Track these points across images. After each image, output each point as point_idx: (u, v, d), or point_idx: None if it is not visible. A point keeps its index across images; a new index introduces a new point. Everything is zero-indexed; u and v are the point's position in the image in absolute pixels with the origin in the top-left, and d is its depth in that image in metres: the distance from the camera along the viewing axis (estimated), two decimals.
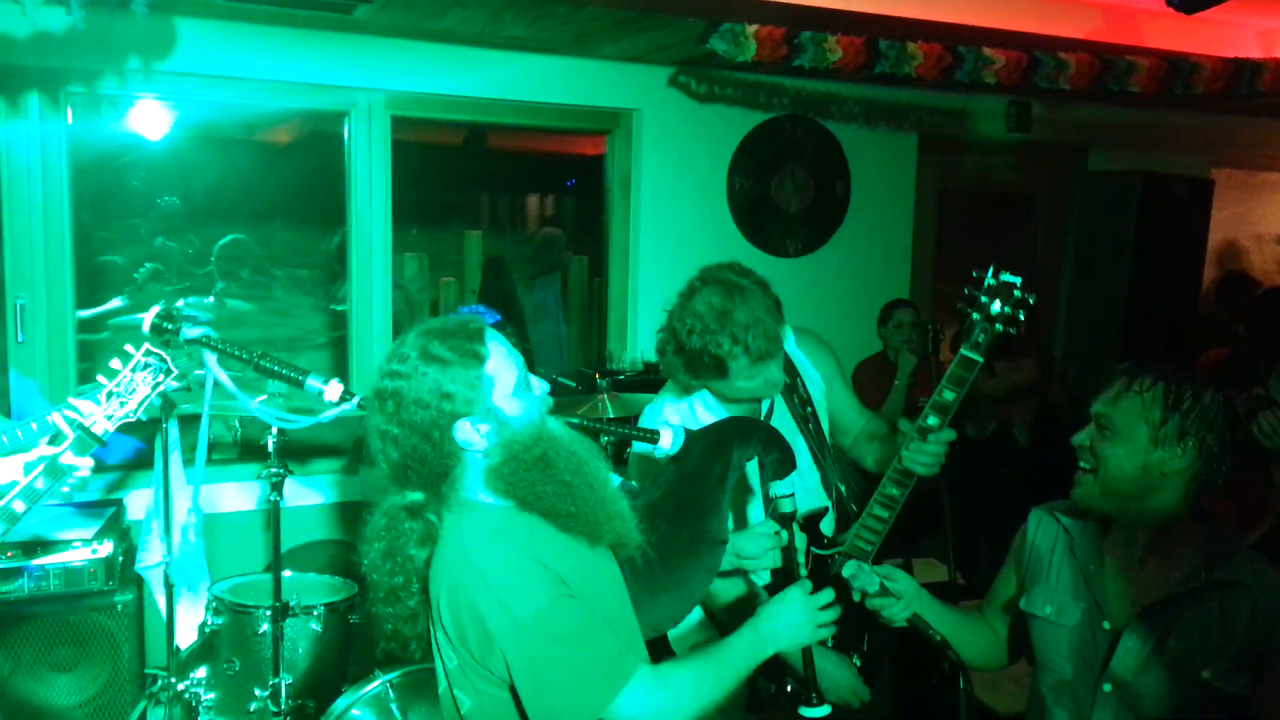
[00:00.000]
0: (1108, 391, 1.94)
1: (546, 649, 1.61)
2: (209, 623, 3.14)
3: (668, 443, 2.02)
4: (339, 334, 5.44)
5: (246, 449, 4.24)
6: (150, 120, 4.44)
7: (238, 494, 4.07)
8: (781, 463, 2.01)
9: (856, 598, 2.05)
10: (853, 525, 2.38)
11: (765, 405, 2.45)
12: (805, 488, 2.46)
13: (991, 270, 2.19)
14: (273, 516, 3.09)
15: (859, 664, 2.36)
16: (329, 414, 2.19)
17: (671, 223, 4.74)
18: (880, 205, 5.19)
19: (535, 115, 4.55)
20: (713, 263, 2.41)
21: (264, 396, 2.85)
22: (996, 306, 2.18)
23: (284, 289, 5.95)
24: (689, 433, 2.04)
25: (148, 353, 2.57)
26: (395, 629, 1.77)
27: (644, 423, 2.50)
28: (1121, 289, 3.00)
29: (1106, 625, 1.97)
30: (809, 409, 2.53)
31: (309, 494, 4.16)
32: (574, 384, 3.98)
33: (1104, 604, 1.98)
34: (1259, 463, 3.03)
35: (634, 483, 2.23)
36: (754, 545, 2.03)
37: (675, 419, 2.42)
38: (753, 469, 2.12)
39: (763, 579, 2.25)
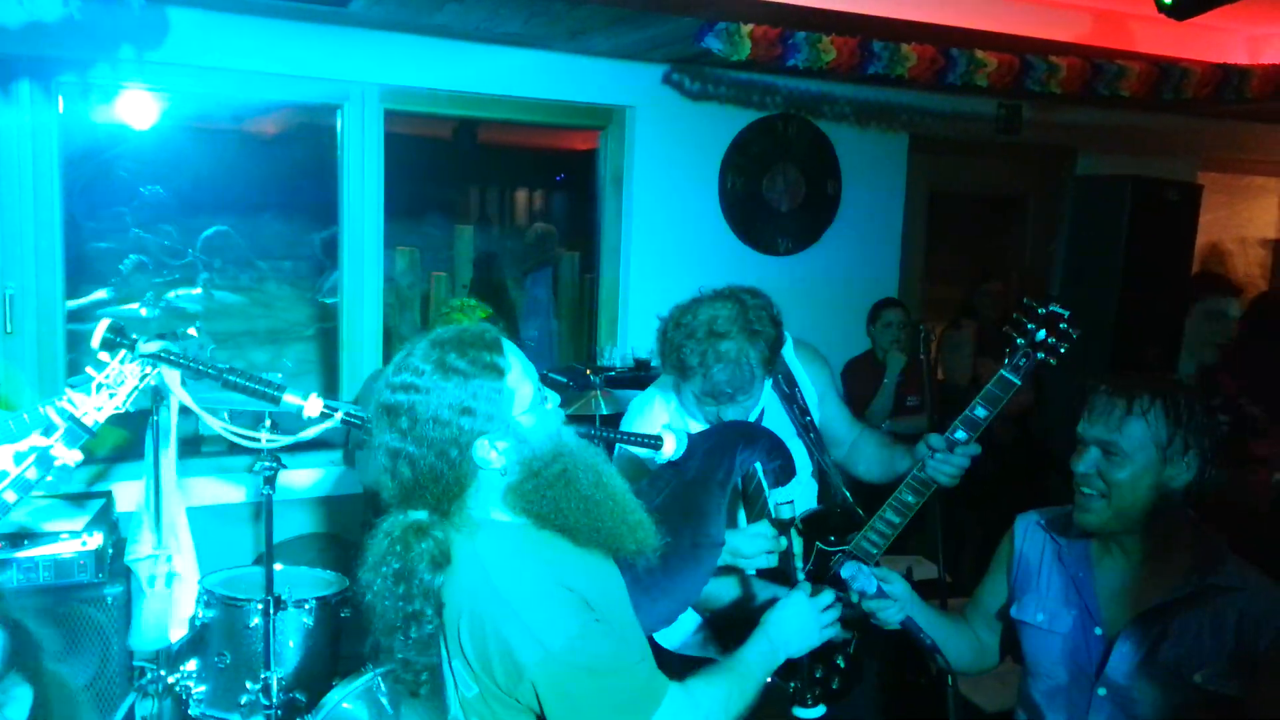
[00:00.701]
0: (1106, 418, 1.94)
1: (580, 680, 1.55)
2: (200, 615, 3.12)
3: (671, 449, 2.02)
4: (325, 326, 5.44)
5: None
6: (140, 110, 4.42)
7: (226, 487, 4.06)
8: (783, 470, 2.03)
9: (855, 599, 2.07)
10: (862, 529, 2.41)
11: (756, 411, 2.45)
12: (807, 495, 2.48)
13: (1044, 300, 2.29)
14: (264, 510, 3.09)
15: (843, 666, 2.38)
16: (309, 433, 2.03)
17: (663, 220, 4.75)
18: (870, 205, 5.22)
19: (529, 111, 4.55)
20: (738, 283, 2.38)
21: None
22: (1042, 335, 2.27)
23: (270, 280, 5.94)
24: (691, 437, 2.05)
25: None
26: (406, 658, 1.64)
27: (632, 413, 2.52)
28: (1113, 294, 3.03)
29: (1099, 631, 2.00)
30: (808, 418, 2.55)
31: (298, 488, 4.16)
32: (566, 380, 3.99)
33: (1095, 610, 2.01)
34: None
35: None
36: (750, 545, 2.05)
37: (664, 416, 2.43)
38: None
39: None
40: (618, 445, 2.22)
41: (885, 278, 5.29)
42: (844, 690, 2.33)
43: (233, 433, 2.08)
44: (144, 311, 5.06)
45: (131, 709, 3.23)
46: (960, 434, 2.31)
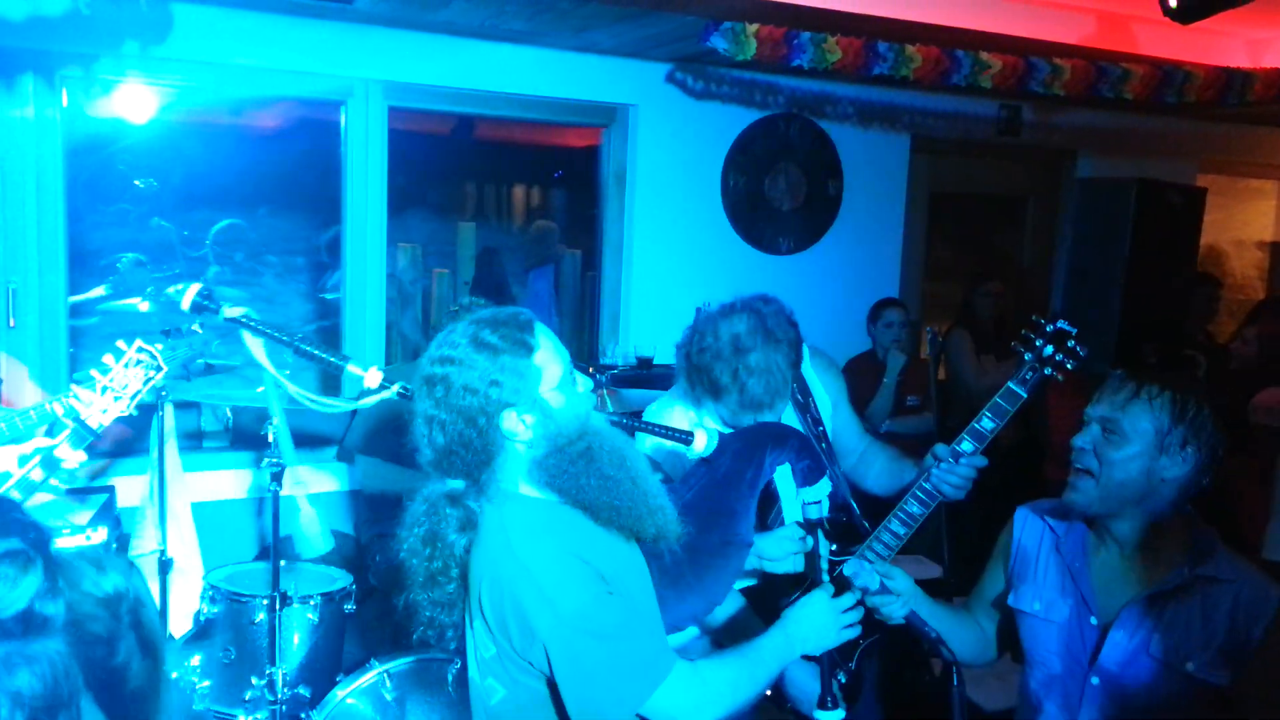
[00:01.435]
0: (1113, 396, 1.99)
1: (588, 644, 1.63)
2: (204, 611, 3.13)
3: (702, 445, 2.04)
4: (327, 323, 5.43)
5: (238, 437, 4.24)
6: (143, 105, 4.41)
7: (229, 482, 4.06)
8: (812, 470, 2.05)
9: (857, 595, 2.08)
10: (866, 539, 2.42)
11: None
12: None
13: (1052, 318, 2.33)
14: (266, 505, 3.09)
15: (844, 680, 2.40)
16: (368, 400, 2.13)
17: (666, 218, 4.76)
18: (872, 205, 5.24)
19: (532, 108, 4.55)
20: (743, 292, 2.43)
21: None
22: (1049, 350, 2.32)
23: (271, 275, 5.93)
24: (722, 436, 2.06)
25: (140, 349, 2.58)
26: (432, 616, 1.77)
27: (650, 419, 2.53)
28: (1117, 297, 3.05)
29: (1094, 621, 2.03)
30: (820, 428, 2.57)
31: (300, 483, 4.15)
32: None
33: (1090, 600, 2.04)
34: None
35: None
36: (777, 547, 2.07)
37: (685, 424, 2.44)
38: (784, 474, 2.15)
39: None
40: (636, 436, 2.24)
41: (886, 277, 5.31)
42: (853, 690, 2.34)
43: (305, 397, 2.19)
44: (144, 306, 5.04)
45: None
46: (966, 445, 2.34)
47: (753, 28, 3.75)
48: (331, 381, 4.31)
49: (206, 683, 3.11)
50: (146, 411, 2.92)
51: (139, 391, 2.48)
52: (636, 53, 4.46)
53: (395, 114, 4.31)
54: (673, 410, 2.51)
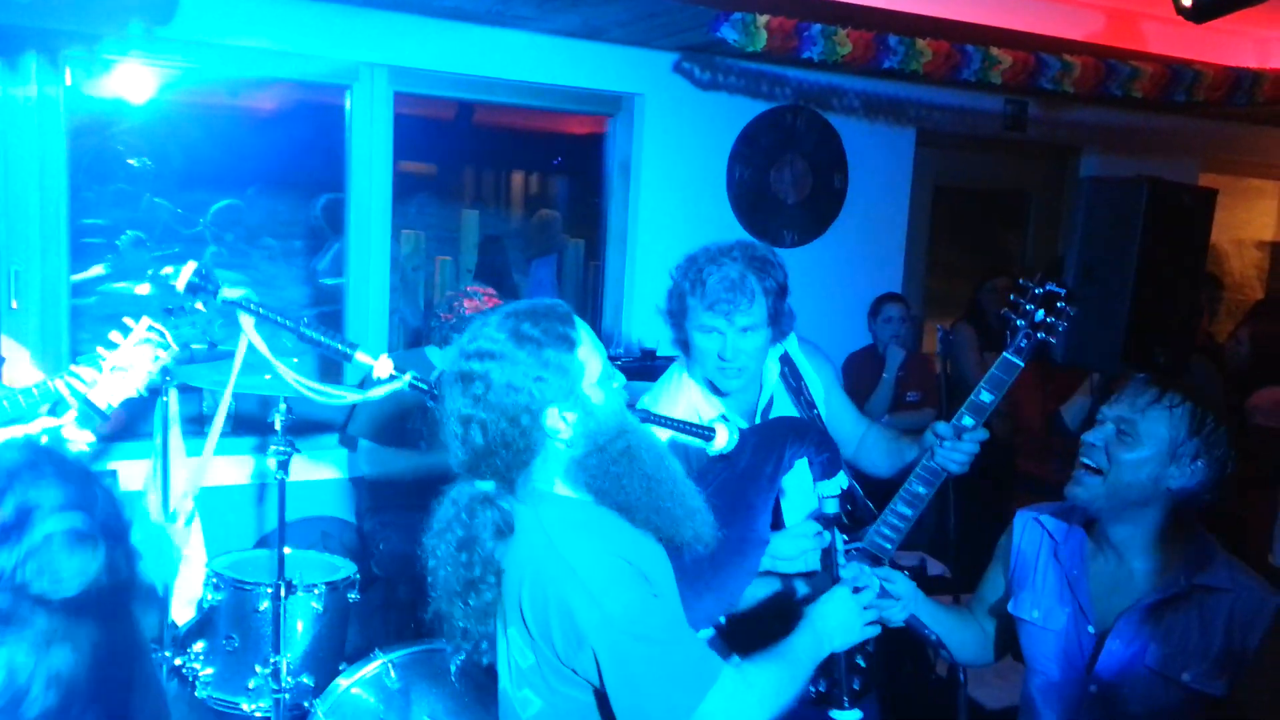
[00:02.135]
0: (1133, 399, 1.99)
1: (638, 648, 1.56)
2: (208, 598, 3.11)
3: (723, 441, 1.99)
4: (327, 309, 5.40)
5: (239, 423, 4.21)
6: (146, 85, 4.37)
7: (230, 468, 4.04)
8: (830, 463, 2.02)
9: (876, 587, 2.08)
10: (873, 523, 2.41)
11: (763, 403, 2.45)
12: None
13: (1039, 279, 2.27)
14: (268, 492, 3.07)
15: (863, 665, 2.39)
16: (376, 392, 2.00)
17: (670, 209, 4.74)
18: (877, 199, 5.22)
19: (538, 96, 4.52)
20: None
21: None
22: (1040, 314, 2.25)
23: (267, 258, 5.89)
24: (742, 432, 2.03)
25: (149, 327, 2.53)
26: (466, 627, 1.67)
27: (655, 392, 2.49)
28: (1126, 296, 3.04)
29: (1091, 629, 2.03)
30: (815, 412, 2.55)
31: (301, 470, 4.14)
32: None
33: (1088, 608, 2.04)
34: None
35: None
36: (792, 546, 2.04)
37: (693, 392, 2.41)
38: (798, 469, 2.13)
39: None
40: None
41: (890, 272, 5.30)
42: (865, 690, 2.34)
43: (309, 387, 2.03)
44: (144, 290, 5.00)
45: None
46: (967, 420, 2.29)
47: (763, 19, 3.73)
48: (331, 368, 4.29)
49: (210, 670, 3.09)
50: (150, 394, 2.89)
51: (150, 372, 2.43)
52: (644, 40, 4.43)
53: (400, 99, 4.28)
54: (681, 381, 2.44)
